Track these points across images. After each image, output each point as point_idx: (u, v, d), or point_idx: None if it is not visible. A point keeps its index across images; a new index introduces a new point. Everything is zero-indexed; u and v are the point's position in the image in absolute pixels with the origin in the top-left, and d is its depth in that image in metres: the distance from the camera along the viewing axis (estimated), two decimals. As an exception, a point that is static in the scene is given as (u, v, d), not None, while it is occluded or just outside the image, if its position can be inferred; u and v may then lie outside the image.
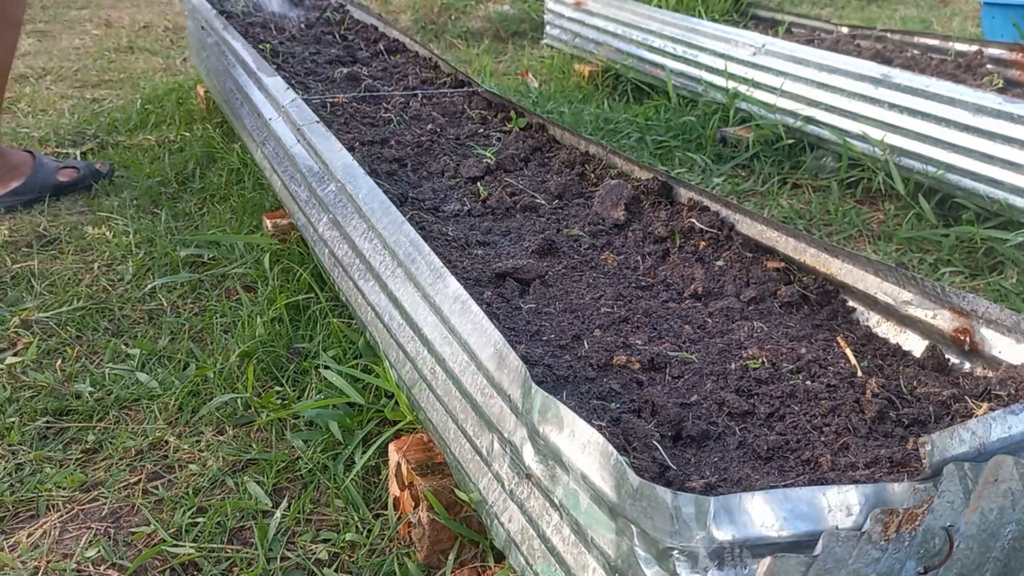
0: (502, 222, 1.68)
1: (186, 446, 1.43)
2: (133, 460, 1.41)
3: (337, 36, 2.96)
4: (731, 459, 1.00)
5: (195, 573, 1.20)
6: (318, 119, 1.82)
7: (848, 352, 1.21)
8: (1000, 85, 2.61)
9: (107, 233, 2.17)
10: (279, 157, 1.92)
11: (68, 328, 1.77)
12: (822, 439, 1.01)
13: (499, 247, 1.57)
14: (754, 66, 2.73)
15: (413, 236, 1.29)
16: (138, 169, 2.55)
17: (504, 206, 1.72)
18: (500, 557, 1.13)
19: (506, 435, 0.97)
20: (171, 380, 1.59)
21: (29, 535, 1.26)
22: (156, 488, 1.35)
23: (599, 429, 0.82)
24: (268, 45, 2.69)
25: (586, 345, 1.22)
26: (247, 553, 1.22)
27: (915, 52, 3.04)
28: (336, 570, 1.19)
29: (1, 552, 1.22)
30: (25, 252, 2.10)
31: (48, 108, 3.19)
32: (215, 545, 1.23)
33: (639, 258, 1.52)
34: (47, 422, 1.49)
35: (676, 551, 0.72)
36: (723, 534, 0.71)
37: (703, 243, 1.53)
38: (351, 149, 1.90)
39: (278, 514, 1.28)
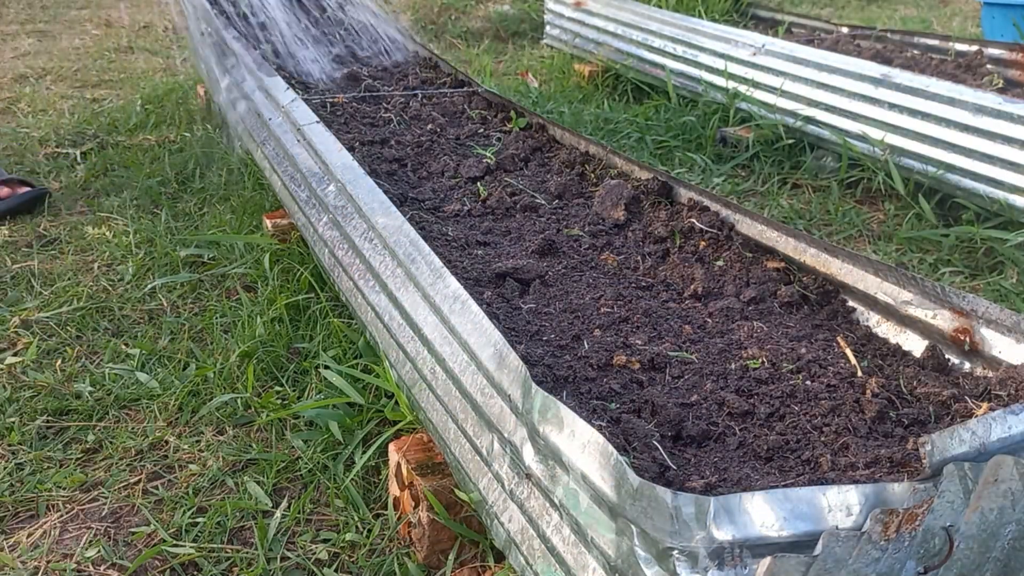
0: (502, 222, 1.68)
1: (186, 446, 1.43)
2: (133, 460, 1.41)
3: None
4: (731, 459, 1.00)
5: (195, 573, 1.20)
6: (318, 119, 1.82)
7: (848, 352, 1.21)
8: (1000, 85, 2.61)
9: (107, 233, 2.17)
10: (279, 157, 1.92)
11: (68, 328, 1.77)
12: (822, 439, 1.01)
13: (499, 247, 1.57)
14: (754, 66, 2.73)
15: (413, 236, 1.29)
16: (138, 169, 2.55)
17: (504, 206, 1.72)
18: (500, 557, 1.13)
19: (506, 435, 0.97)
20: (171, 380, 1.58)
21: (29, 535, 1.26)
22: (156, 488, 1.35)
23: (599, 429, 0.82)
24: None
25: (586, 345, 1.22)
26: (247, 553, 1.22)
27: (915, 52, 3.04)
28: (336, 570, 1.19)
29: (1, 552, 1.22)
30: (25, 252, 2.10)
31: (48, 108, 3.19)
32: (215, 545, 1.23)
33: (639, 258, 1.52)
34: (47, 422, 1.49)
35: (676, 551, 0.72)
36: (723, 534, 0.71)
37: (703, 243, 1.53)
38: (351, 149, 1.90)
39: (278, 514, 1.28)
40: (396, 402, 1.35)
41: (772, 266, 1.44)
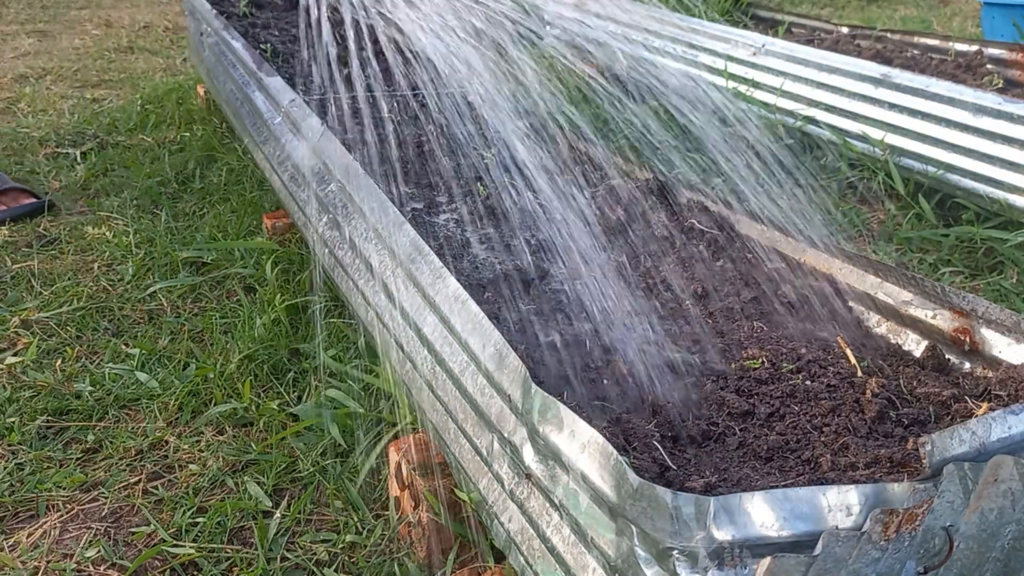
0: (502, 222, 1.68)
1: (186, 446, 1.43)
2: (133, 460, 1.41)
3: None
4: (731, 459, 1.00)
5: (195, 573, 1.20)
6: (318, 119, 1.81)
7: (848, 352, 1.21)
8: (1000, 85, 2.60)
9: (107, 233, 2.17)
10: (279, 157, 1.92)
11: (68, 328, 1.77)
12: (822, 439, 1.01)
13: (499, 247, 1.57)
14: (754, 66, 2.73)
15: (413, 236, 1.29)
16: (138, 169, 2.55)
17: (504, 206, 1.72)
18: (500, 557, 1.13)
19: (506, 435, 0.97)
20: (171, 380, 1.58)
21: (29, 535, 1.26)
22: (156, 488, 1.35)
23: (599, 429, 0.82)
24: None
25: (586, 345, 1.22)
26: (247, 553, 1.22)
27: (915, 52, 3.04)
28: (336, 570, 1.19)
29: (1, 552, 1.22)
30: (25, 252, 2.10)
31: (48, 108, 3.19)
32: (215, 545, 1.23)
33: (639, 258, 1.52)
34: (47, 422, 1.49)
35: (676, 551, 0.72)
36: (723, 534, 0.71)
37: (703, 243, 1.53)
38: (351, 149, 1.90)
39: (278, 514, 1.28)
40: (395, 403, 1.35)
41: (772, 266, 1.44)
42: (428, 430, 1.22)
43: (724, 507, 0.72)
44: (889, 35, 3.22)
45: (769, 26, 3.70)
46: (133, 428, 1.48)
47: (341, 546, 1.22)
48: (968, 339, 1.16)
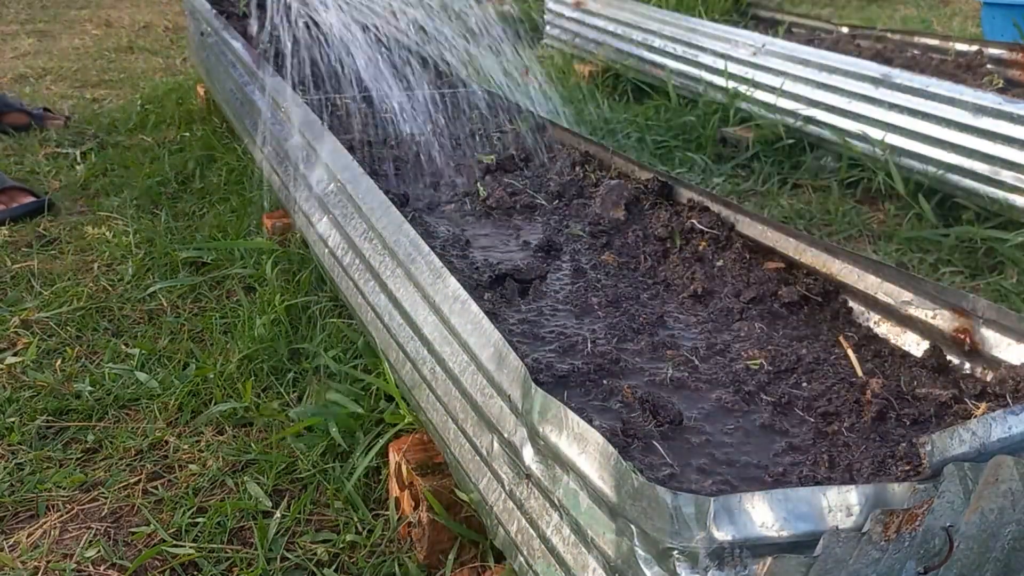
0: (502, 222, 1.68)
1: (186, 446, 1.43)
2: (133, 460, 1.41)
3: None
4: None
5: (195, 573, 1.20)
6: (319, 119, 1.81)
7: (850, 352, 1.21)
8: (1000, 85, 2.60)
9: (107, 233, 2.17)
10: (279, 157, 1.92)
11: (68, 328, 1.77)
12: (822, 439, 1.01)
13: (499, 247, 1.57)
14: (754, 66, 2.73)
15: (413, 236, 1.29)
16: (138, 169, 2.55)
17: (504, 206, 1.72)
18: (500, 557, 1.13)
19: (506, 435, 0.97)
20: (171, 380, 1.58)
21: (29, 535, 1.26)
22: (156, 488, 1.35)
23: (599, 429, 0.82)
24: None
25: (587, 345, 1.22)
26: (247, 553, 1.22)
27: (915, 52, 3.04)
28: (336, 570, 1.19)
29: (1, 552, 1.22)
30: (25, 252, 2.10)
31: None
32: (215, 545, 1.23)
33: (639, 258, 1.52)
34: (47, 422, 1.49)
35: (676, 551, 0.72)
36: (723, 534, 0.71)
37: (703, 243, 1.53)
38: (351, 149, 1.90)
39: (278, 514, 1.28)
40: (396, 404, 1.35)
41: (772, 267, 1.44)
42: (428, 430, 1.22)
43: (724, 507, 0.72)
44: (889, 35, 3.22)
45: (769, 26, 3.70)
46: (133, 428, 1.48)
47: (341, 546, 1.22)
48: (968, 339, 1.16)
